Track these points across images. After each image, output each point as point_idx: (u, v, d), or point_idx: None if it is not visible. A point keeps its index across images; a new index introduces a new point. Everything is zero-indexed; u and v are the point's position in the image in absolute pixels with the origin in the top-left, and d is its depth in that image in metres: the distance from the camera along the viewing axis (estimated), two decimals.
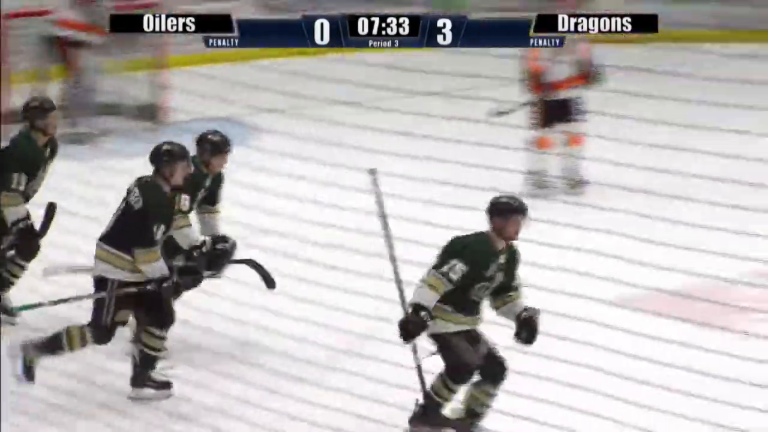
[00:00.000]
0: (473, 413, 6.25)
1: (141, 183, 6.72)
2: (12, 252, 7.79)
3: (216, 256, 7.20)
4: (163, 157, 6.72)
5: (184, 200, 7.11)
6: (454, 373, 6.14)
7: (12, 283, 7.85)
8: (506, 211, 6.08)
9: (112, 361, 7.05)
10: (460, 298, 6.10)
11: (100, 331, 6.66)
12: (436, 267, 6.05)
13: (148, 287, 6.63)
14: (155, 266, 6.59)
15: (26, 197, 7.69)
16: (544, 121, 9.84)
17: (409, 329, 6.01)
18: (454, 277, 6.00)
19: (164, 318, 6.77)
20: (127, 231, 6.64)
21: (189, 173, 6.83)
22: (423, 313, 5.97)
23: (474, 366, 6.14)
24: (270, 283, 7.17)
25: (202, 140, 7.39)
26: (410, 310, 6.03)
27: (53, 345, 6.71)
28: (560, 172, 10.08)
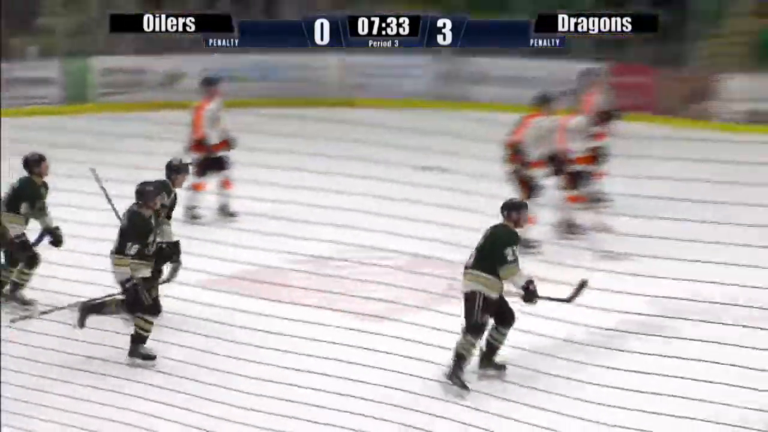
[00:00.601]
0: (492, 348, 8.13)
1: (129, 209, 8.77)
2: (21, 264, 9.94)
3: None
4: (144, 194, 8.74)
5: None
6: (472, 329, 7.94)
7: (22, 285, 9.90)
8: (519, 207, 8.12)
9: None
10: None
11: (151, 308, 8.72)
12: (502, 260, 7.82)
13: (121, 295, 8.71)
14: (121, 270, 8.59)
15: (26, 221, 9.90)
16: (201, 171, 13.05)
17: (534, 296, 7.84)
18: (518, 257, 7.90)
19: (152, 308, 8.74)
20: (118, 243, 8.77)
21: (164, 201, 9.05)
22: (532, 285, 7.84)
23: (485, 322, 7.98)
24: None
25: (170, 163, 9.68)
26: (526, 287, 7.84)
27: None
28: (216, 207, 13.33)
